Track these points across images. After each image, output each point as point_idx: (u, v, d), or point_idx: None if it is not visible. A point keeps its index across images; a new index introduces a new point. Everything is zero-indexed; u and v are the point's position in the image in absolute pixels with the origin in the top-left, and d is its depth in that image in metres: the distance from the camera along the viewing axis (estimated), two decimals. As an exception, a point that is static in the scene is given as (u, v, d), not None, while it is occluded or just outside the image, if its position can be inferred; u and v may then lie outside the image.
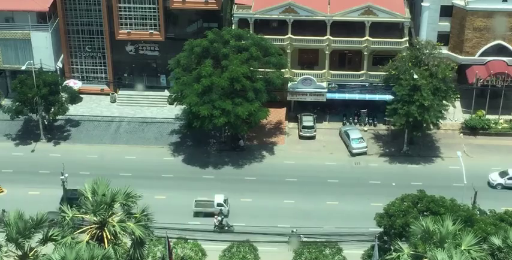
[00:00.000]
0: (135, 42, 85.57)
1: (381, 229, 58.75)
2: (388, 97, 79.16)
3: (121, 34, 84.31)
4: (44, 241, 44.47)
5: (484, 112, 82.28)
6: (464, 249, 42.62)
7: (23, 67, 79.11)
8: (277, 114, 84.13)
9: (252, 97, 75.40)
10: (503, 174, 73.71)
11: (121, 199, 45.22)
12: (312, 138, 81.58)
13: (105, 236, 44.99)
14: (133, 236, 45.00)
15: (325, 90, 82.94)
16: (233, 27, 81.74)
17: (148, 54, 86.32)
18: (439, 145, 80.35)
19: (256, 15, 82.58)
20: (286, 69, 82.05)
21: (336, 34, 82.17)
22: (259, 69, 77.95)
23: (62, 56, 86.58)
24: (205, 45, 76.67)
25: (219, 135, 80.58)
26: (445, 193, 59.32)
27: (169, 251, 58.48)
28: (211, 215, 68.78)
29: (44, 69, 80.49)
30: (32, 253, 44.18)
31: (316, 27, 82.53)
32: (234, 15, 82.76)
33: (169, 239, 59.44)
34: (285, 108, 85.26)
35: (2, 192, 73.03)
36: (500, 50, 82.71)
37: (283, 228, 67.61)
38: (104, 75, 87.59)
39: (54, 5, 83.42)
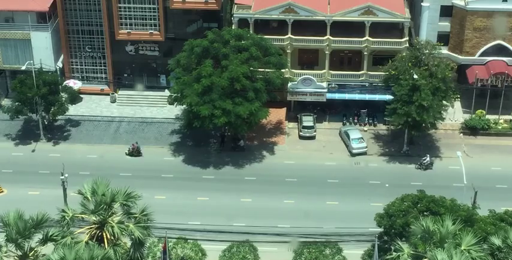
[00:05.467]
0: (135, 42, 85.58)
1: (381, 229, 58.71)
2: (388, 97, 79.16)
3: (121, 34, 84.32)
4: (43, 241, 44.48)
5: (484, 112, 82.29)
6: (464, 249, 42.67)
7: (23, 68, 79.11)
8: (277, 114, 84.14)
9: (252, 97, 75.41)
10: None
11: (121, 199, 45.25)
12: (312, 138, 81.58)
13: (105, 236, 45.00)
14: (132, 237, 45.02)
15: (325, 90, 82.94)
16: (233, 27, 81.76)
17: (148, 54, 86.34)
18: (439, 145, 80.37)
19: (256, 15, 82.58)
20: (286, 69, 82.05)
21: (336, 34, 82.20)
22: (259, 69, 77.97)
23: (62, 56, 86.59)
24: (205, 45, 76.66)
25: (219, 135, 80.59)
26: (445, 193, 59.29)
27: (165, 250, 58.34)
28: None
29: (44, 69, 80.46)
30: (31, 253, 44.20)
31: (316, 27, 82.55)
32: (234, 15, 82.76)
33: (169, 240, 59.37)
34: (285, 108, 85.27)
35: (2, 192, 73.03)
36: (500, 50, 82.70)
37: (283, 228, 67.67)
38: (104, 75, 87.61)
39: (54, 5, 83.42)
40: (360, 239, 64.83)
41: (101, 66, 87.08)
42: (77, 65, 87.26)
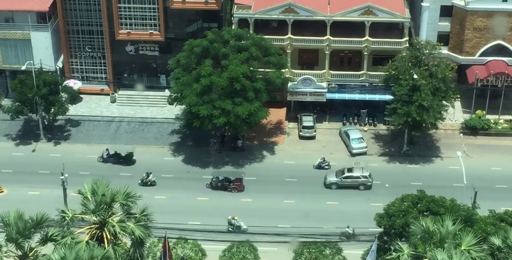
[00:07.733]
0: (135, 42, 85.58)
1: (381, 229, 58.69)
2: (388, 97, 79.19)
3: (121, 34, 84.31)
4: (43, 241, 44.47)
5: (484, 112, 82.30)
6: (464, 249, 42.61)
7: (23, 68, 79.09)
8: (277, 114, 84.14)
9: (252, 97, 75.41)
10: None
11: (121, 199, 45.23)
12: (312, 138, 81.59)
13: (105, 236, 44.99)
14: (133, 237, 45.01)
15: (325, 90, 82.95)
16: (233, 27, 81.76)
17: (148, 54, 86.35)
18: (439, 145, 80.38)
19: (256, 15, 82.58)
20: (286, 69, 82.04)
21: (336, 34, 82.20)
22: (259, 69, 77.98)
23: (62, 56, 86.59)
24: (205, 45, 76.69)
25: (219, 135, 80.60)
26: (445, 193, 59.28)
27: (165, 251, 58.25)
28: None
29: (44, 69, 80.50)
30: (32, 253, 44.17)
31: (316, 27, 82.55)
32: (234, 15, 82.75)
33: (169, 240, 59.27)
34: (285, 108, 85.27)
35: (2, 192, 73.03)
36: (500, 50, 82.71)
37: (283, 228, 67.66)
38: (104, 75, 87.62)
39: (54, 5, 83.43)
40: (360, 239, 64.85)
41: (101, 66, 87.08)
42: (77, 65, 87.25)
